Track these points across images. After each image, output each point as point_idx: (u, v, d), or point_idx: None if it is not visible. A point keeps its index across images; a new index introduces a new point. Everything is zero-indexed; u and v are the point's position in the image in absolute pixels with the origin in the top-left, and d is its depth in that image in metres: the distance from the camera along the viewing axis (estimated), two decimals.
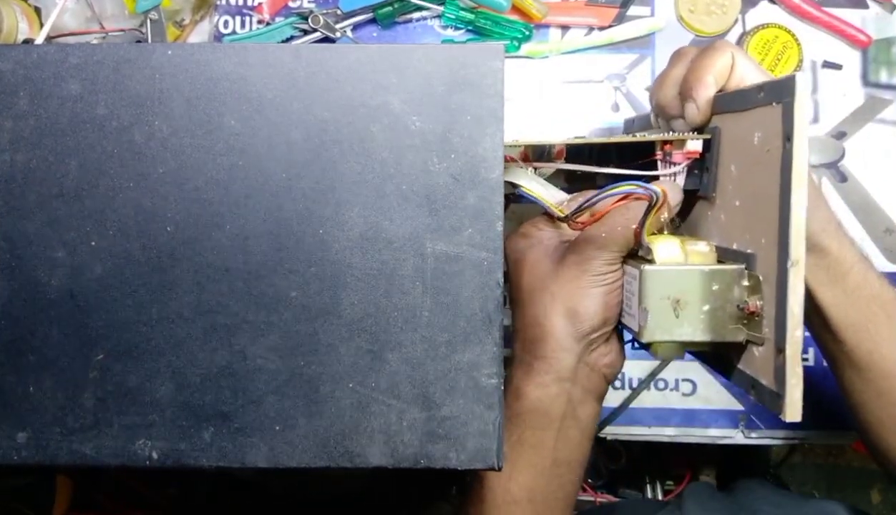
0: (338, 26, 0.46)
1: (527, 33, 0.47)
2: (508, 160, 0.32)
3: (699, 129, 0.31)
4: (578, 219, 0.31)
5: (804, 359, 0.47)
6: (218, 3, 0.47)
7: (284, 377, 0.27)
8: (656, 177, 0.32)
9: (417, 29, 0.48)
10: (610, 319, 0.31)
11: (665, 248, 0.29)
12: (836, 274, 0.32)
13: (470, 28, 0.47)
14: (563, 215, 0.32)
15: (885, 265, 0.47)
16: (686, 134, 0.30)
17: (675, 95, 0.31)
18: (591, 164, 0.35)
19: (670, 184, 0.31)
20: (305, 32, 0.46)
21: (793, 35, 0.47)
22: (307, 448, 0.27)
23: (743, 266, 0.28)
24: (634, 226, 0.29)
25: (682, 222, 0.34)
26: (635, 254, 0.30)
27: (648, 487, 0.58)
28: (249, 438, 0.27)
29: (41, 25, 0.45)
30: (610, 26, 0.47)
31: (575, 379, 0.31)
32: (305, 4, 0.47)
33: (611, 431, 0.47)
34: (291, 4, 0.48)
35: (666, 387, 0.47)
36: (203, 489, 0.58)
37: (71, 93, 0.27)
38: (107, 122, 0.27)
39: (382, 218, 0.27)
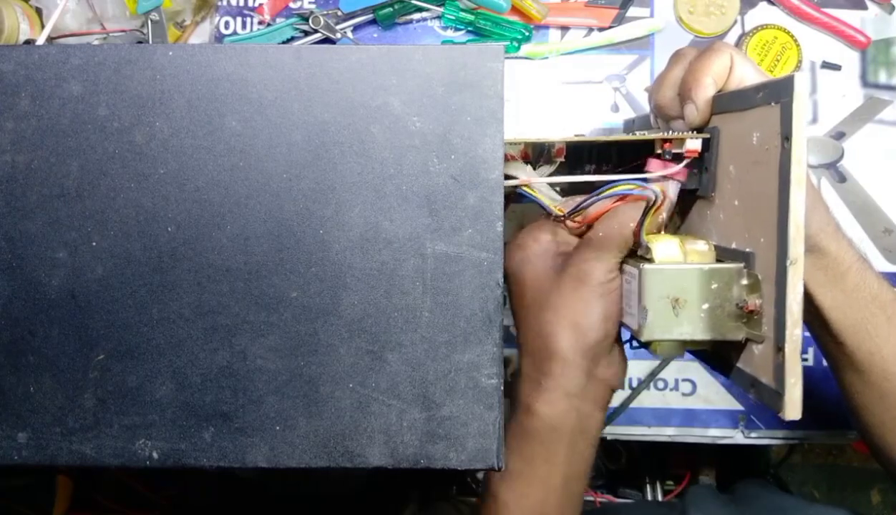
0: (338, 27, 0.46)
1: (526, 34, 0.47)
2: (509, 158, 0.32)
3: (698, 130, 0.31)
4: (576, 219, 0.31)
5: (804, 359, 0.47)
6: (219, 4, 0.47)
7: (285, 377, 0.27)
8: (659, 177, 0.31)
9: (417, 30, 0.48)
10: (612, 329, 0.31)
11: (664, 247, 0.29)
12: (834, 274, 0.32)
13: (470, 29, 0.47)
14: (561, 214, 0.31)
15: (884, 265, 0.47)
16: (685, 133, 0.31)
17: (673, 96, 0.31)
18: (591, 163, 0.35)
19: (669, 181, 0.31)
20: (306, 33, 0.46)
21: (792, 36, 0.47)
22: (307, 448, 0.27)
23: (742, 264, 0.28)
24: (633, 225, 0.29)
25: (682, 222, 0.34)
26: (634, 253, 0.30)
27: (648, 487, 0.58)
28: (250, 438, 0.27)
29: (42, 26, 0.45)
30: (609, 27, 0.47)
31: (583, 394, 0.31)
32: (306, 5, 0.48)
33: (611, 431, 0.47)
34: (292, 5, 0.48)
35: (666, 387, 0.47)
36: (203, 489, 0.58)
37: (72, 93, 0.27)
38: (108, 123, 0.27)
39: (383, 218, 0.27)
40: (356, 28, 0.47)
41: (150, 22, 0.44)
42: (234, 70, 0.27)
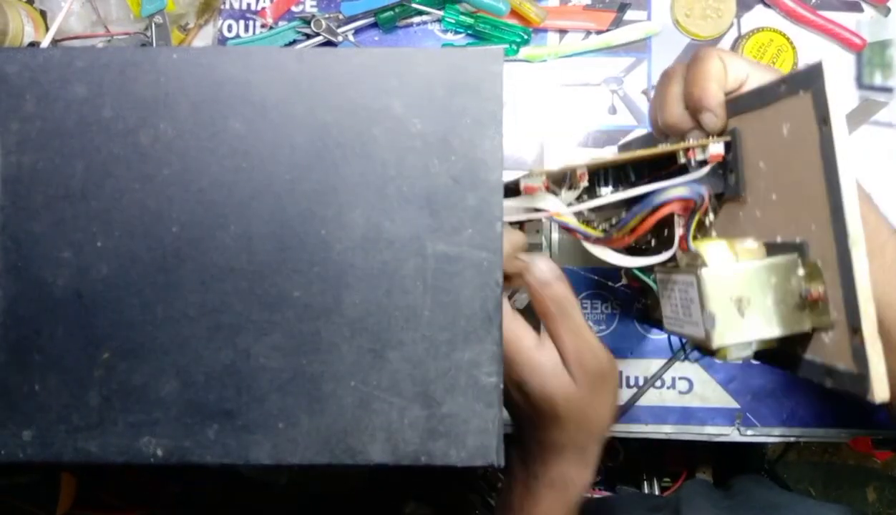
0: (340, 30, 0.46)
1: (525, 37, 0.47)
2: (534, 190, 0.30)
3: (717, 135, 0.31)
4: (617, 237, 0.30)
5: None
6: (222, 7, 0.48)
7: (287, 375, 0.28)
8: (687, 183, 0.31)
9: (418, 33, 0.48)
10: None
11: (715, 250, 0.28)
12: (872, 248, 0.30)
13: (470, 32, 0.48)
14: (600, 235, 0.31)
15: None
16: (707, 138, 0.30)
17: (682, 112, 0.31)
18: (606, 184, 0.34)
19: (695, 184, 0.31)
20: (308, 36, 0.47)
21: (787, 38, 0.47)
22: (310, 445, 0.27)
23: (795, 255, 0.27)
24: (680, 233, 0.29)
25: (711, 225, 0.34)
26: (674, 263, 0.30)
27: (646, 484, 0.59)
28: (253, 435, 0.27)
29: (47, 29, 0.45)
30: (607, 30, 0.48)
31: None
32: (308, 9, 0.48)
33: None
34: (294, 9, 0.48)
35: (663, 386, 0.47)
36: (206, 486, 0.58)
37: (77, 95, 0.28)
38: (112, 125, 0.28)
39: (384, 218, 0.28)
40: (357, 31, 0.47)
41: (153, 25, 0.45)
42: (237, 72, 0.28)
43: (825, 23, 0.48)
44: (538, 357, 0.30)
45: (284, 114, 0.28)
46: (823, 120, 0.25)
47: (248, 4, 0.48)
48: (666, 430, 0.47)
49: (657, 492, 0.58)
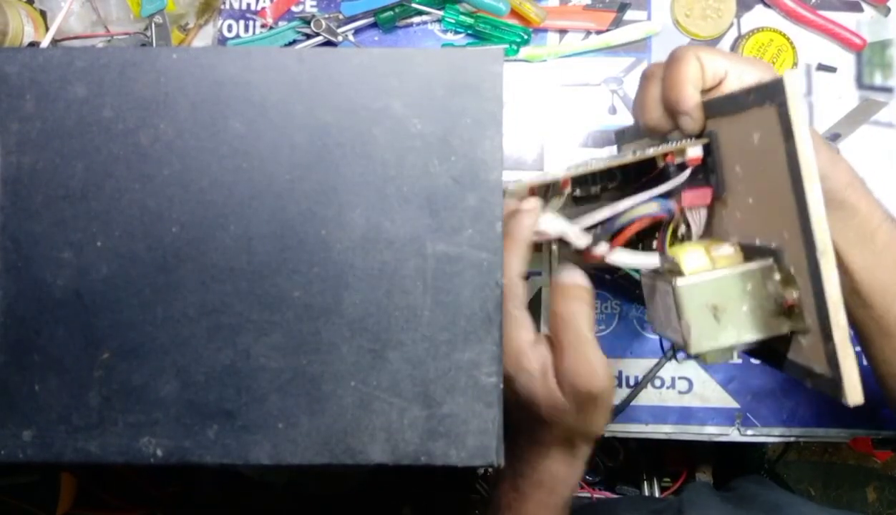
0: (340, 30, 0.46)
1: (525, 37, 0.47)
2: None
3: (696, 137, 0.31)
4: (596, 250, 0.31)
5: None
6: (222, 7, 0.48)
7: (287, 375, 0.28)
8: (670, 192, 0.31)
9: (418, 33, 0.48)
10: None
11: (691, 258, 0.28)
12: (864, 233, 0.31)
13: (470, 32, 0.48)
14: (586, 245, 0.31)
15: None
16: (685, 142, 0.31)
17: (661, 114, 0.31)
18: (595, 184, 0.35)
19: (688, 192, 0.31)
20: (308, 36, 0.47)
21: (787, 38, 0.47)
22: (310, 446, 0.27)
23: (771, 260, 0.27)
24: (657, 243, 0.29)
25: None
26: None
27: (645, 483, 0.59)
28: (253, 435, 0.27)
29: (47, 29, 0.45)
30: (607, 30, 0.48)
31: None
32: (308, 9, 0.48)
33: (609, 428, 0.47)
34: (294, 9, 0.48)
35: (663, 386, 0.47)
36: (206, 486, 0.58)
37: (77, 95, 0.28)
38: (112, 125, 0.28)
39: (384, 219, 0.28)
40: (357, 31, 0.47)
41: (153, 25, 0.45)
42: (237, 73, 0.28)
43: (825, 23, 0.48)
44: (529, 355, 0.29)
45: (284, 114, 0.28)
46: (787, 135, 0.25)
47: (248, 4, 0.48)
48: (666, 430, 0.47)
49: (657, 492, 0.58)
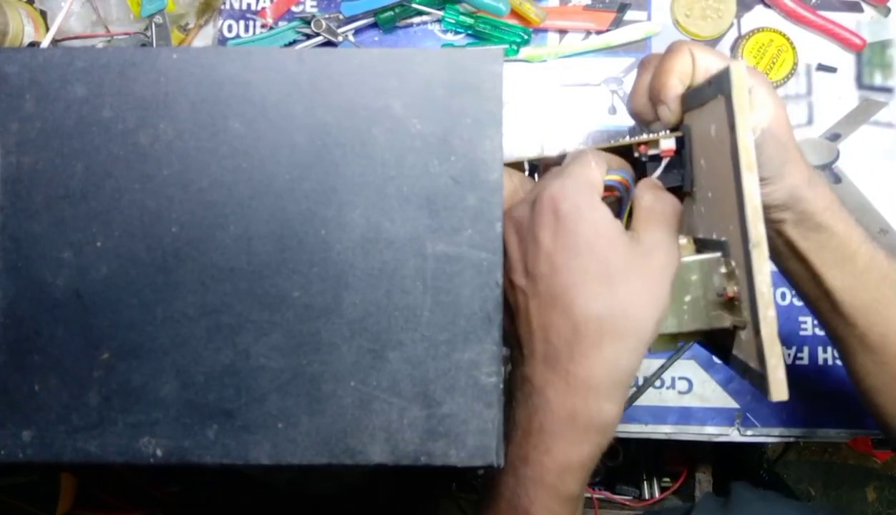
0: (340, 31, 0.46)
1: (525, 37, 0.47)
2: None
3: (673, 129, 0.32)
4: None
5: (799, 358, 0.47)
6: (222, 7, 0.48)
7: (287, 375, 0.28)
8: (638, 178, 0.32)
9: (418, 33, 0.48)
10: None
11: None
12: (843, 255, 0.31)
13: (470, 32, 0.48)
14: None
15: None
16: (660, 133, 0.31)
17: (646, 102, 0.32)
18: None
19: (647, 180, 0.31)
20: (308, 36, 0.47)
21: (787, 39, 0.47)
22: (309, 446, 0.27)
23: (719, 254, 0.28)
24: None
25: None
26: None
27: (645, 484, 0.59)
28: (253, 435, 0.27)
29: (47, 29, 0.45)
30: (607, 31, 0.48)
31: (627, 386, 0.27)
32: (308, 9, 0.48)
33: None
34: (294, 9, 0.48)
35: (663, 386, 0.47)
36: (206, 486, 0.58)
37: (77, 95, 0.28)
38: (112, 125, 0.28)
39: (384, 219, 0.28)
40: (357, 31, 0.47)
41: (153, 25, 0.45)
42: (237, 73, 0.28)
43: (825, 23, 0.48)
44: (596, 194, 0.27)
45: (284, 114, 0.28)
46: (731, 126, 0.25)
47: (248, 4, 0.48)
48: (665, 430, 0.47)
49: (657, 492, 0.58)
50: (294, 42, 0.47)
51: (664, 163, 0.31)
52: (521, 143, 0.48)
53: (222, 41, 0.48)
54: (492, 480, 0.30)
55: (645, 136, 0.31)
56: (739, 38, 0.48)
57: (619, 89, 0.48)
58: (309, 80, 0.28)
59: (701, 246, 0.30)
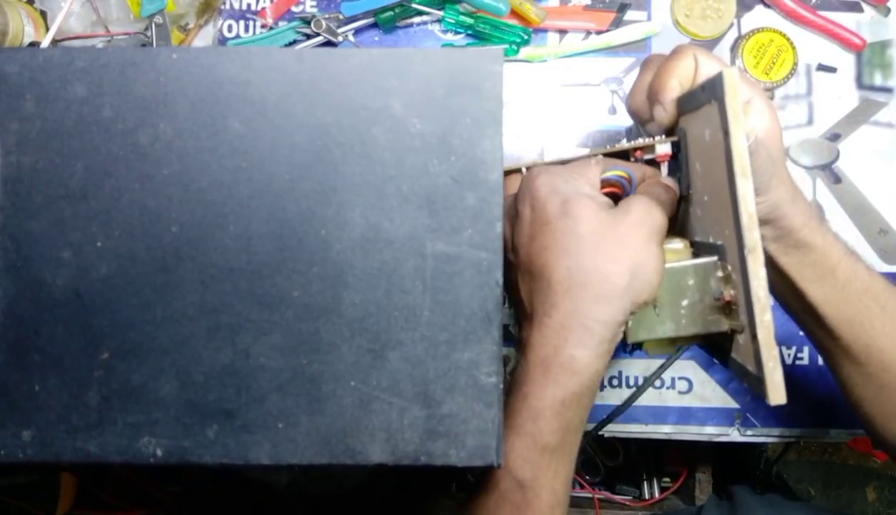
0: (340, 31, 0.46)
1: (525, 37, 0.47)
2: None
3: (670, 132, 0.32)
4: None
5: (799, 358, 0.47)
6: (222, 7, 0.48)
7: (287, 375, 0.28)
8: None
9: (418, 33, 0.48)
10: (658, 287, 0.28)
11: None
12: (823, 269, 0.32)
13: (470, 32, 0.48)
14: None
15: (880, 266, 0.48)
16: (656, 139, 0.31)
17: (644, 101, 0.32)
18: None
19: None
20: (308, 37, 0.47)
21: (787, 39, 0.47)
22: (309, 446, 0.27)
23: (716, 258, 0.28)
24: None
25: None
26: None
27: (645, 484, 0.59)
28: (252, 435, 0.27)
29: (47, 29, 0.45)
30: (607, 31, 0.48)
31: (612, 347, 0.28)
32: (308, 9, 0.48)
33: (608, 429, 0.47)
34: (294, 9, 0.48)
35: (663, 386, 0.47)
36: (206, 486, 0.58)
37: (77, 95, 0.28)
38: (112, 125, 0.28)
39: (383, 218, 0.28)
40: (357, 31, 0.47)
41: (153, 25, 0.45)
42: (237, 72, 0.28)
43: (825, 23, 0.48)
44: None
45: (284, 113, 0.28)
46: (725, 131, 0.25)
47: (248, 5, 0.48)
48: (665, 430, 0.47)
49: (657, 492, 0.58)
50: (294, 42, 0.47)
51: (664, 167, 0.31)
52: (520, 149, 0.48)
53: (222, 41, 0.48)
54: None
55: (641, 142, 0.32)
56: (739, 39, 0.48)
57: (619, 89, 0.48)
58: (309, 79, 0.28)
59: (697, 249, 0.30)
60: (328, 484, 0.57)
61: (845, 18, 0.48)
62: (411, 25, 0.48)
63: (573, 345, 0.28)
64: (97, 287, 0.28)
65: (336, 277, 0.28)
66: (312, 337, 0.27)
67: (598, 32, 0.48)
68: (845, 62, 0.48)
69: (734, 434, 0.47)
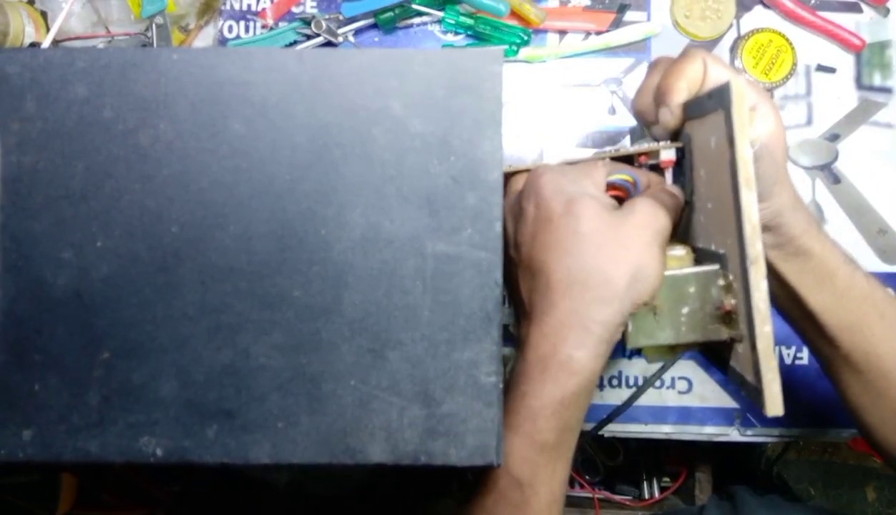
0: (340, 31, 0.46)
1: (525, 38, 0.47)
2: None
3: (675, 136, 0.32)
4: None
5: (799, 358, 0.47)
6: (222, 8, 0.48)
7: (287, 375, 0.28)
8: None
9: (418, 34, 0.48)
10: (658, 290, 0.28)
11: None
12: (822, 276, 0.32)
13: (470, 33, 0.48)
14: None
15: (879, 266, 0.48)
16: (660, 144, 0.31)
17: (650, 102, 0.32)
18: None
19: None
20: (308, 37, 0.47)
21: (787, 39, 0.47)
22: (309, 445, 0.27)
23: (717, 267, 0.28)
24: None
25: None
26: None
27: (645, 484, 0.59)
28: (252, 435, 0.27)
29: (47, 29, 0.45)
30: (607, 31, 0.48)
31: (611, 348, 0.28)
32: (308, 10, 0.48)
33: (608, 428, 0.47)
34: (295, 10, 0.48)
35: (662, 386, 0.47)
36: (206, 486, 0.58)
37: (77, 96, 0.28)
38: (113, 125, 0.28)
39: (383, 218, 0.28)
40: (357, 32, 0.47)
41: (154, 26, 0.45)
42: (237, 73, 0.28)
43: (825, 24, 0.48)
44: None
45: (284, 114, 0.28)
46: (730, 141, 0.25)
47: (249, 5, 0.48)
48: (665, 430, 0.47)
49: (657, 492, 0.58)
50: (294, 43, 0.47)
51: (668, 173, 0.31)
52: (520, 149, 0.48)
53: (223, 42, 0.48)
54: None
55: (646, 146, 0.32)
56: (739, 39, 0.48)
57: (618, 90, 0.48)
58: (309, 80, 0.28)
59: (699, 256, 0.30)
60: (328, 484, 0.57)
61: (844, 19, 0.48)
62: (411, 26, 0.48)
63: (572, 345, 0.28)
64: (98, 287, 0.28)
65: (336, 277, 0.28)
66: (313, 337, 0.28)
67: (598, 33, 0.48)
68: (844, 63, 0.48)
69: (734, 434, 0.47)
